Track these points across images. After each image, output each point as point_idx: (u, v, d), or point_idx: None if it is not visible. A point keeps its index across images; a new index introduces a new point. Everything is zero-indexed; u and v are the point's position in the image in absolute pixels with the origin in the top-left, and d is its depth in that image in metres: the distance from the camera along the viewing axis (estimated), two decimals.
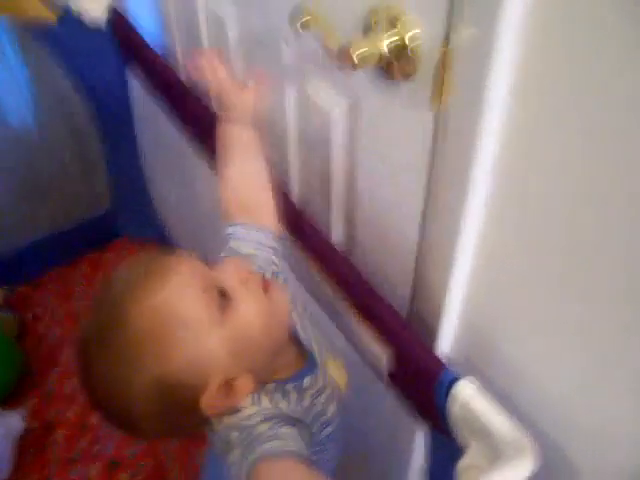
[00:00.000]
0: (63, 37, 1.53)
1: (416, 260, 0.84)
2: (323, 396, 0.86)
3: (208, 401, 0.71)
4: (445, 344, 0.85)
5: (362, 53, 0.68)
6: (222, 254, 0.87)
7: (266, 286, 0.77)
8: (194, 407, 0.72)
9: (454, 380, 0.75)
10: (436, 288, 0.81)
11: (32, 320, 1.88)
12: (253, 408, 0.75)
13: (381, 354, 0.87)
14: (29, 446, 1.60)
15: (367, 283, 0.89)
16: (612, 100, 0.51)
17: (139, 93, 1.53)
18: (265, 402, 0.77)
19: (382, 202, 0.88)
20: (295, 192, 1.12)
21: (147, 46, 1.36)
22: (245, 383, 0.74)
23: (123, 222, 2.01)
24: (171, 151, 1.57)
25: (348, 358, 0.94)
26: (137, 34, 1.39)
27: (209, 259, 0.77)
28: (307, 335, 0.88)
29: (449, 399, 0.75)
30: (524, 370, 0.75)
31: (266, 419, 0.73)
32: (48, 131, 1.78)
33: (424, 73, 0.68)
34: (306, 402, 0.82)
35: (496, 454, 0.69)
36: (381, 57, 0.69)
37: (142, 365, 0.68)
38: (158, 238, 2.03)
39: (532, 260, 0.67)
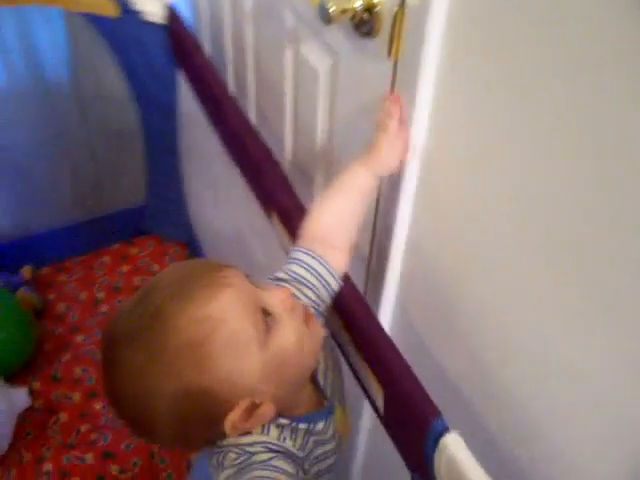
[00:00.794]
0: (119, 28, 1.56)
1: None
2: (328, 446, 0.86)
3: (232, 420, 0.72)
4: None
5: (336, 9, 0.84)
6: (280, 274, 0.86)
7: (307, 318, 0.78)
8: (216, 423, 0.73)
9: (444, 430, 0.74)
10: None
11: (52, 301, 1.90)
12: (260, 437, 0.75)
13: (377, 392, 0.87)
14: (29, 426, 1.62)
15: (366, 308, 0.89)
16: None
17: (186, 95, 1.55)
18: (273, 434, 0.77)
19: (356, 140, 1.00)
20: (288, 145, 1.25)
21: (199, 49, 1.38)
22: (268, 410, 0.75)
23: (153, 219, 2.03)
24: (209, 157, 1.59)
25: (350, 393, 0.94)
26: (191, 36, 1.41)
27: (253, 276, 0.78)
28: (325, 381, 0.88)
29: (437, 449, 0.74)
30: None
31: (268, 450, 0.74)
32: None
33: (387, 29, 0.83)
34: (310, 446, 0.82)
35: None
36: (355, 14, 0.85)
37: (177, 372, 0.68)
38: (185, 240, 2.04)
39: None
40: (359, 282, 1.06)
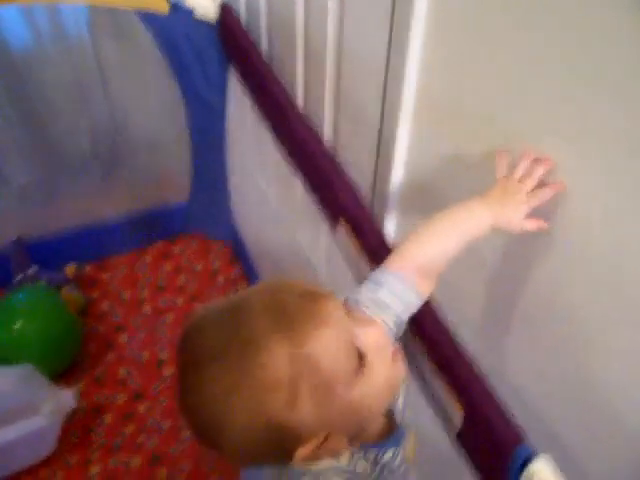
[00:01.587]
0: (168, 26, 1.53)
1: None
2: (396, 475, 0.83)
3: (304, 453, 0.70)
4: None
5: None
6: (367, 294, 0.83)
7: (395, 356, 0.75)
8: (288, 452, 0.71)
9: (530, 456, 0.71)
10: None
11: (95, 300, 1.89)
12: (331, 462, 0.73)
13: (453, 412, 0.83)
14: (74, 427, 1.61)
15: (447, 331, 0.85)
16: None
17: (237, 94, 1.53)
18: (344, 460, 0.75)
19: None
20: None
21: (254, 48, 1.34)
22: (339, 443, 0.72)
23: (196, 218, 2.01)
24: (259, 159, 1.56)
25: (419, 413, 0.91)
26: (245, 33, 1.38)
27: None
28: (398, 409, 0.85)
29: (523, 475, 0.71)
30: None
31: (339, 477, 0.72)
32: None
33: None
34: (378, 473, 0.80)
35: None
36: None
37: (260, 405, 0.66)
38: (228, 240, 2.02)
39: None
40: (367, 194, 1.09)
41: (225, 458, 0.76)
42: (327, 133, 1.20)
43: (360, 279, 1.00)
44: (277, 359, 0.66)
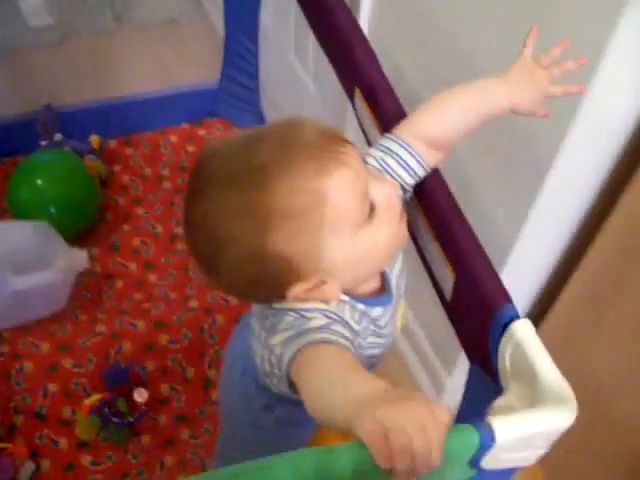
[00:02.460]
0: None
1: None
2: (379, 338, 0.85)
3: (298, 291, 0.72)
4: None
5: None
6: (370, 159, 0.83)
7: (402, 219, 0.77)
8: (281, 288, 0.73)
9: (514, 317, 0.72)
10: None
11: (117, 173, 1.92)
12: (319, 304, 0.75)
13: (447, 276, 0.84)
14: (85, 288, 1.65)
15: (449, 195, 0.86)
16: None
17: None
18: (332, 305, 0.76)
19: None
20: None
21: None
22: (334, 290, 0.75)
23: (224, 103, 2.00)
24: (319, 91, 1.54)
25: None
26: None
27: None
28: (391, 272, 0.87)
29: (505, 334, 0.72)
30: None
31: (326, 317, 0.73)
32: None
33: None
34: (365, 325, 0.81)
35: (537, 400, 0.67)
36: None
37: (265, 232, 0.68)
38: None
39: None
40: None
41: (218, 285, 0.78)
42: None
43: None
44: (283, 188, 0.67)
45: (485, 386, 0.80)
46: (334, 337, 0.69)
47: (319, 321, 0.72)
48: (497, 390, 0.74)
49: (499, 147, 1.11)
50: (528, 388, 0.68)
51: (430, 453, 0.48)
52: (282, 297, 0.74)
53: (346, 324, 0.75)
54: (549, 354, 0.69)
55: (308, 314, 0.73)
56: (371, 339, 0.83)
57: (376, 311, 0.82)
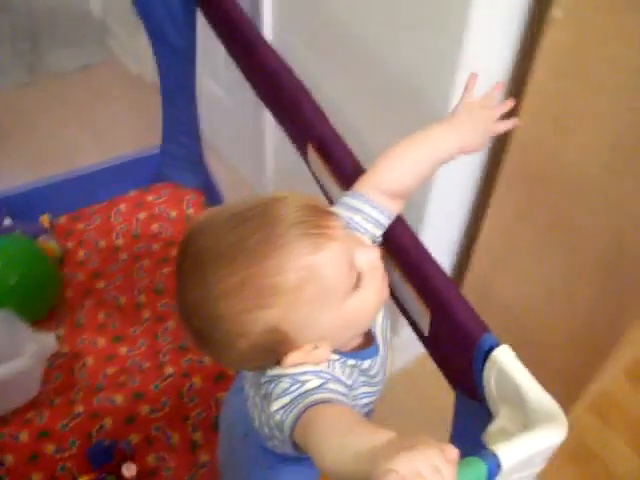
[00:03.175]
0: None
1: None
2: (371, 387, 0.89)
3: (293, 359, 0.75)
4: None
5: None
6: (344, 218, 0.86)
7: (384, 277, 0.81)
8: (275, 357, 0.76)
9: (494, 345, 0.76)
10: None
11: (71, 250, 1.91)
12: (310, 367, 0.77)
13: (423, 313, 0.88)
14: (57, 370, 1.64)
15: (414, 238, 0.90)
16: None
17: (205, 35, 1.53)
18: (322, 365, 0.79)
19: None
20: None
21: None
22: (325, 353, 0.78)
23: (168, 166, 2.02)
24: (232, 101, 1.58)
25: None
26: None
27: None
28: (374, 322, 0.91)
29: (487, 363, 0.76)
30: None
31: (319, 377, 0.76)
32: None
33: None
34: (356, 378, 0.85)
35: (528, 420, 0.71)
36: None
37: (260, 308, 0.71)
38: (202, 187, 2.04)
39: None
40: None
41: (213, 357, 0.80)
42: None
43: (331, 200, 1.04)
44: (277, 266, 0.70)
45: (473, 410, 0.83)
46: (332, 395, 0.72)
47: (314, 382, 0.75)
48: (485, 413, 0.78)
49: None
50: (518, 410, 0.72)
51: None
52: (277, 364, 0.77)
53: (338, 380, 0.79)
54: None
55: (302, 377, 0.76)
56: (363, 389, 0.86)
57: (366, 363, 0.86)
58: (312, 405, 0.70)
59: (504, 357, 0.75)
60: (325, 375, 0.77)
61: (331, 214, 0.75)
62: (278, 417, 0.73)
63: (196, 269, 0.72)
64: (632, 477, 1.44)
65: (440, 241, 1.38)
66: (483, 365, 0.77)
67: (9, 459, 1.49)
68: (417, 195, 1.21)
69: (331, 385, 0.75)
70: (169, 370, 1.63)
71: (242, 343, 0.73)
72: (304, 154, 1.10)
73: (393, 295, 0.98)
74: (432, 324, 0.88)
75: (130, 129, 2.33)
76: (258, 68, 1.18)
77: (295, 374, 0.76)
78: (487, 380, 0.77)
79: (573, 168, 1.22)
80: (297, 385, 0.75)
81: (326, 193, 1.09)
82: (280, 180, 1.87)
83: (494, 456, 0.61)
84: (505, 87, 1.10)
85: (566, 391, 1.34)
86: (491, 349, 0.76)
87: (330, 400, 0.71)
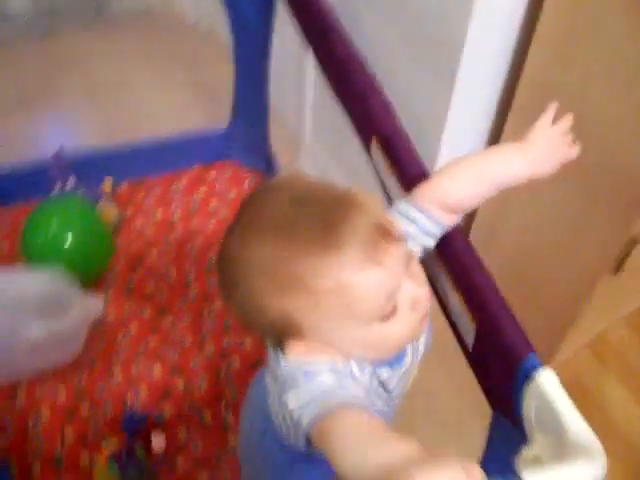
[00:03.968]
0: None
1: None
2: (391, 395, 0.86)
3: (294, 347, 0.74)
4: None
5: None
6: (402, 223, 0.84)
7: (424, 318, 0.78)
8: (286, 339, 0.75)
9: (538, 366, 0.73)
10: None
11: (129, 217, 1.93)
12: (325, 359, 0.75)
13: (469, 326, 0.85)
14: (101, 335, 1.66)
15: (467, 243, 0.87)
16: None
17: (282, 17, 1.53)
18: (339, 362, 0.77)
19: None
20: None
21: None
22: (327, 356, 0.75)
23: (235, 145, 2.02)
24: (302, 85, 1.57)
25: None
26: None
27: None
28: None
29: (529, 385, 0.73)
30: None
31: (332, 370, 0.74)
32: None
33: None
34: (370, 382, 0.82)
35: (564, 451, 0.67)
36: None
37: (286, 294, 0.70)
38: (263, 170, 2.04)
39: None
40: None
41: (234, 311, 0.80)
42: None
43: (389, 200, 1.02)
44: (323, 270, 0.68)
45: (509, 433, 0.80)
46: (350, 399, 0.70)
47: (329, 379, 0.72)
48: (521, 437, 0.75)
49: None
50: (555, 440, 0.69)
51: None
52: (289, 337, 0.75)
53: (355, 378, 0.77)
54: None
55: (314, 369, 0.73)
56: (379, 404, 0.84)
57: (384, 373, 0.83)
58: (332, 408, 0.67)
59: (547, 382, 0.72)
60: (341, 369, 0.75)
61: (395, 239, 0.71)
62: (295, 414, 0.70)
63: (245, 228, 0.72)
64: (631, 424, 1.49)
65: None
66: (524, 385, 0.74)
67: (46, 414, 1.51)
68: None
69: (347, 381, 0.73)
70: (209, 349, 1.64)
71: (252, 313, 0.74)
72: (368, 147, 1.08)
73: (441, 304, 0.95)
74: (477, 338, 0.85)
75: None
76: (330, 55, 1.16)
77: (309, 371, 0.73)
78: (527, 402, 0.74)
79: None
80: (312, 381, 0.72)
81: (384, 187, 1.07)
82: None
83: None
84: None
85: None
86: (534, 369, 0.73)
87: (350, 403, 0.68)
